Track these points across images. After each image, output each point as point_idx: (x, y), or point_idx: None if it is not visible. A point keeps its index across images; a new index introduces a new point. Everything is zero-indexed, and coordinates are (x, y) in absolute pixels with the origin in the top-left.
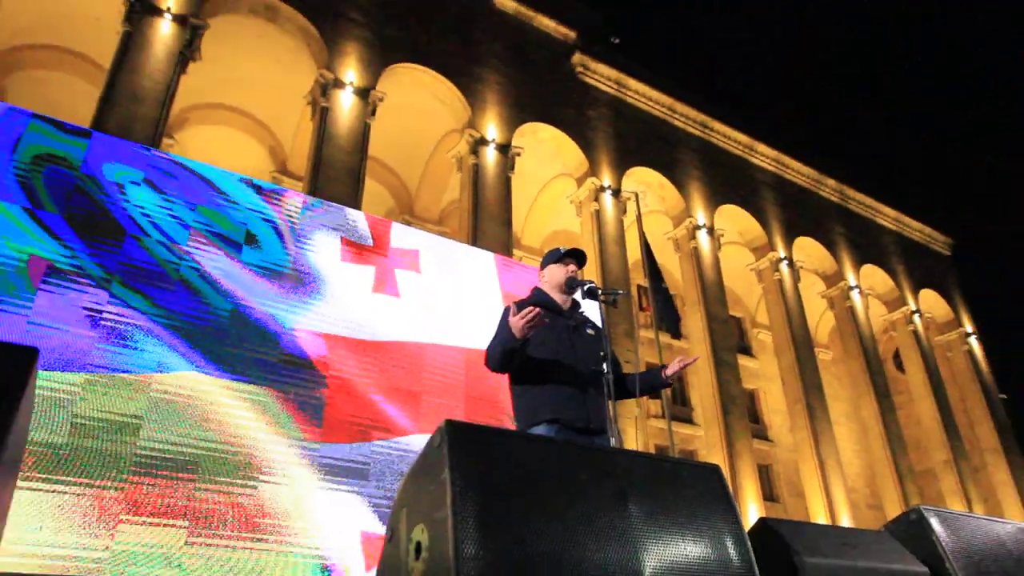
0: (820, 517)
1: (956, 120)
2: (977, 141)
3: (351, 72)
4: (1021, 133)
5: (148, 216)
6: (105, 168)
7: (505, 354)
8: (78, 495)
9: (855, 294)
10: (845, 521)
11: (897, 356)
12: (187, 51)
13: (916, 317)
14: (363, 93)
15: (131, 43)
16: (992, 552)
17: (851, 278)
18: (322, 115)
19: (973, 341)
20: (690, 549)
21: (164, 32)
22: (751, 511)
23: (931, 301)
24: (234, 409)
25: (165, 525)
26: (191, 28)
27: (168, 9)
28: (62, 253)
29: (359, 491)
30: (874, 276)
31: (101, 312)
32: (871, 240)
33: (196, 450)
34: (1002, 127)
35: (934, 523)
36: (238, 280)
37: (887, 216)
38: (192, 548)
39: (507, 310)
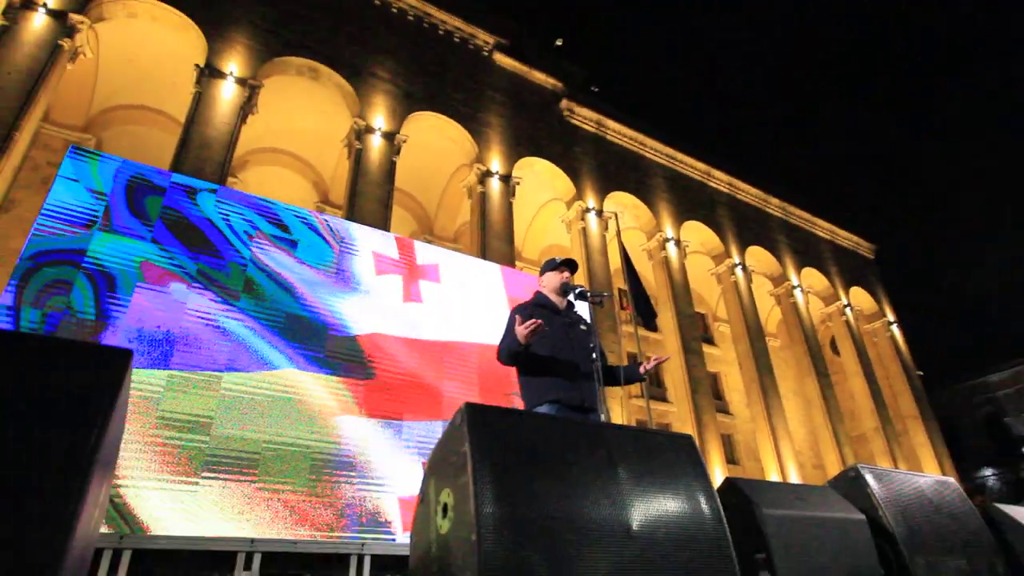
0: (773, 476)
1: (879, 145)
2: (895, 162)
3: (379, 119)
4: (932, 153)
5: (228, 220)
6: (184, 197)
7: (512, 355)
8: (164, 490)
9: (797, 292)
10: (794, 479)
11: (833, 342)
12: (247, 106)
13: (848, 310)
14: (389, 136)
15: (201, 101)
16: (915, 501)
17: (794, 279)
18: (356, 155)
19: (894, 328)
20: (669, 505)
21: (228, 91)
22: (716, 473)
23: (859, 297)
24: (296, 397)
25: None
26: (249, 87)
27: (231, 73)
28: (163, 255)
29: (396, 463)
30: (812, 277)
31: (185, 302)
32: (809, 247)
33: (262, 439)
34: (916, 150)
35: (869, 478)
36: (296, 282)
37: (822, 227)
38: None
39: (513, 312)
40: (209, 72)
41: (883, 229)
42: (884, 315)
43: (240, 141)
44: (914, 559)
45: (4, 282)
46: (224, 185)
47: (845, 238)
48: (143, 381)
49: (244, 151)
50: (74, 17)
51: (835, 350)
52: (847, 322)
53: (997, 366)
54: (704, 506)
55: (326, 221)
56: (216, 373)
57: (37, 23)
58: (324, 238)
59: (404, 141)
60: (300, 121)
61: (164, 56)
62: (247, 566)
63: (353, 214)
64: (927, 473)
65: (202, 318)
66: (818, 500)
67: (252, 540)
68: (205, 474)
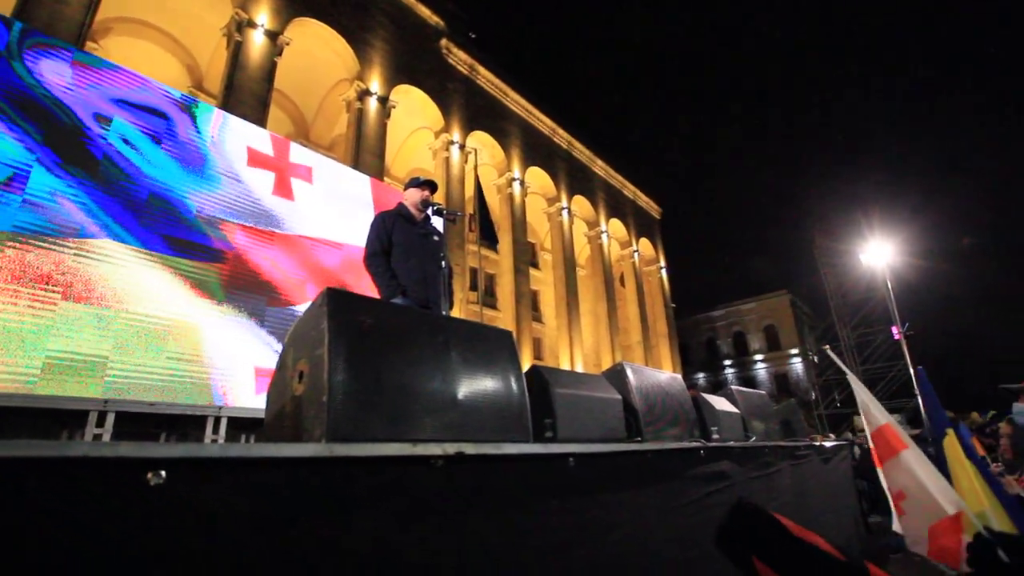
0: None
1: (686, 137)
2: (688, 147)
3: (263, 16)
4: (712, 140)
5: (75, 96)
6: (31, 57)
7: (379, 286)
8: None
9: (604, 236)
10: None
11: (622, 277)
12: None
13: (636, 255)
14: (272, 36)
15: None
16: (654, 388)
17: (603, 226)
18: (236, 48)
19: (663, 272)
20: (488, 383)
21: None
22: (526, 365)
23: (645, 246)
24: (145, 275)
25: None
26: None
27: None
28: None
29: (254, 339)
30: (616, 226)
31: (29, 170)
32: (619, 203)
33: (119, 311)
34: (711, 142)
35: (628, 372)
36: (162, 162)
37: (629, 189)
38: (114, 374)
39: (377, 217)
40: None
41: (667, 198)
42: (659, 262)
43: (102, 3)
44: (647, 427)
45: None
46: (82, 49)
47: (644, 201)
48: None
49: (108, 16)
50: None
51: (622, 283)
52: (634, 264)
53: (719, 305)
54: (513, 385)
55: (201, 106)
56: (65, 239)
57: None
58: (197, 123)
59: (287, 44)
60: None
61: None
62: (100, 423)
63: (228, 106)
64: (665, 371)
65: (46, 188)
66: (593, 384)
67: (105, 401)
68: (55, 341)
